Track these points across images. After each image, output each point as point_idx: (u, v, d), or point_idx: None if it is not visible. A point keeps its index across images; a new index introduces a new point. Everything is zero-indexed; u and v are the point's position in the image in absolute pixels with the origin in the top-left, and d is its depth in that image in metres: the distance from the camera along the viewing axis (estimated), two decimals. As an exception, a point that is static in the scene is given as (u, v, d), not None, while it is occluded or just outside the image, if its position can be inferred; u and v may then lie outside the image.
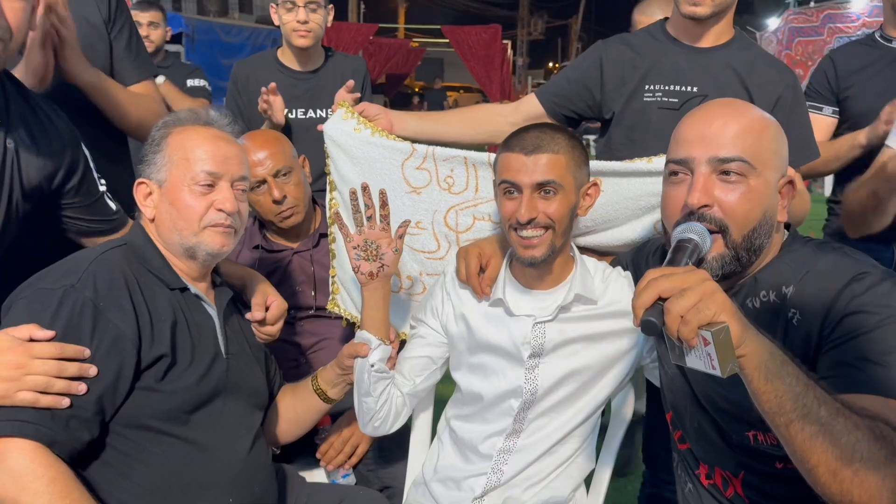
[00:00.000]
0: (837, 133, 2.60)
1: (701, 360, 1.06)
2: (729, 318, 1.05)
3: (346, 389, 1.87)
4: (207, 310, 1.65)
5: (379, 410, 1.79)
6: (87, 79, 1.91)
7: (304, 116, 2.89)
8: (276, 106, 2.60)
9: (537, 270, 1.70)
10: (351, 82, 2.40)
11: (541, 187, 1.62)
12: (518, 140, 1.66)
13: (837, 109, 2.60)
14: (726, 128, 1.35)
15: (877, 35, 2.67)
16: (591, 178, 1.73)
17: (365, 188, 1.78)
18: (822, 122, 2.57)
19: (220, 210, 1.58)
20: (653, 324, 1.06)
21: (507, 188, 1.65)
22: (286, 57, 2.92)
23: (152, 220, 1.61)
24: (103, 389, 1.39)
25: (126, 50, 2.11)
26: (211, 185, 1.58)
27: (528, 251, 1.64)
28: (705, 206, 1.33)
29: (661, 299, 1.07)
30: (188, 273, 1.63)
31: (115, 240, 1.61)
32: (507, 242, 1.79)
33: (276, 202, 2.15)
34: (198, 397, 1.54)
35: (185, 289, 1.61)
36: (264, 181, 2.14)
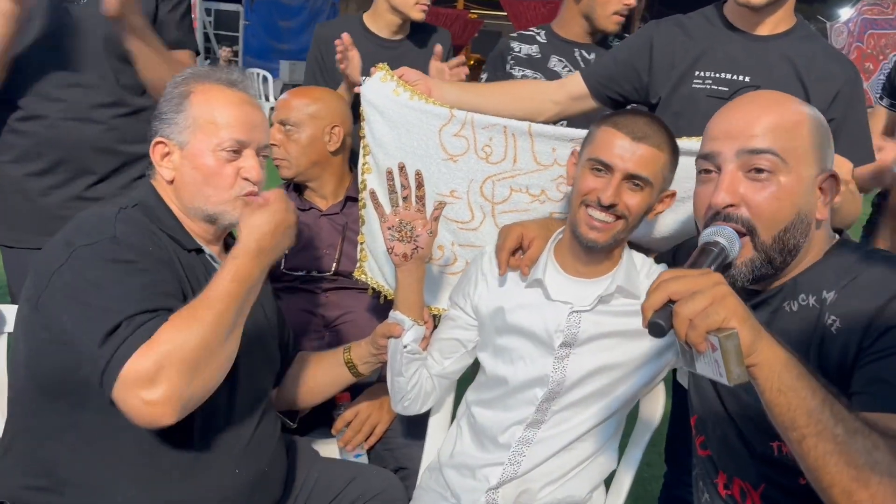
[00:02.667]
0: None
1: (709, 367, 1.03)
2: (739, 323, 1.01)
3: (375, 366, 1.87)
4: None
5: (410, 391, 1.79)
6: (134, 19, 1.97)
7: None
8: (353, 62, 2.44)
9: (588, 255, 1.65)
10: (439, 48, 2.34)
11: (632, 178, 1.57)
12: (626, 121, 1.60)
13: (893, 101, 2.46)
14: (757, 120, 1.28)
15: None
16: (672, 188, 1.67)
17: (402, 168, 1.74)
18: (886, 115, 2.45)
19: (246, 180, 1.55)
20: (660, 326, 1.04)
21: (596, 165, 1.59)
22: (374, 23, 2.82)
23: (170, 182, 1.57)
24: None
25: (170, 14, 2.19)
26: (237, 152, 1.54)
27: (592, 232, 1.59)
28: (731, 205, 1.27)
29: (672, 302, 1.04)
30: (202, 235, 1.60)
31: (125, 199, 1.57)
32: (552, 226, 1.74)
33: (273, 143, 2.20)
34: None
35: (199, 251, 1.58)
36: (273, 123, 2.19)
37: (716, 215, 1.28)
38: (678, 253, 1.74)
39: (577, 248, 1.65)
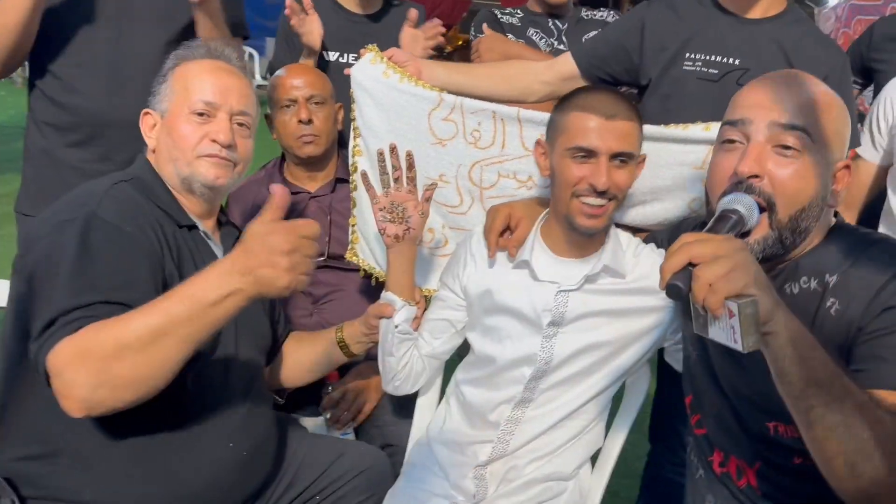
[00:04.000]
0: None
1: (724, 333, 1.02)
2: (759, 291, 1.00)
3: (367, 346, 1.88)
4: (214, 250, 1.63)
5: (401, 371, 1.80)
6: (214, 10, 2.02)
7: (354, 62, 2.79)
8: (311, 27, 2.41)
9: (576, 236, 1.65)
10: (413, 12, 2.35)
11: (617, 156, 1.56)
12: (591, 101, 1.59)
13: (859, 80, 2.46)
14: (791, 97, 1.27)
15: None
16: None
17: (393, 149, 1.74)
18: None
19: (213, 141, 1.55)
20: (679, 289, 1.02)
21: (578, 153, 1.58)
22: None
23: (154, 152, 1.60)
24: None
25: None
26: (209, 116, 1.56)
27: (591, 220, 1.59)
28: (755, 176, 1.25)
29: (692, 265, 1.02)
30: (194, 210, 1.61)
31: (119, 174, 1.58)
32: (539, 206, 1.74)
33: (301, 122, 2.17)
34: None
35: (193, 227, 1.59)
36: (295, 101, 2.18)
37: (738, 184, 1.26)
38: (674, 234, 1.74)
39: (569, 233, 1.65)
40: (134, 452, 1.43)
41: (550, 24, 2.62)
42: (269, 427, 1.67)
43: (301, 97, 2.18)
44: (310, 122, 2.18)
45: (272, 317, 1.82)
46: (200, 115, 1.56)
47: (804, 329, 1.05)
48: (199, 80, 1.58)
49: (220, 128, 1.56)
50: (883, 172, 2.26)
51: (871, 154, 2.27)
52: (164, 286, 1.40)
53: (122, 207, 1.45)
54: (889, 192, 2.21)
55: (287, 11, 2.38)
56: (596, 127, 1.56)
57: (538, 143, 1.72)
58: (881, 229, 2.22)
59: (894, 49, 2.41)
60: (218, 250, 1.64)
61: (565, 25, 2.60)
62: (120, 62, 2.07)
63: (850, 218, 2.30)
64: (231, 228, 1.72)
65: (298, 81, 2.20)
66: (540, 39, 2.60)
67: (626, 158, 1.58)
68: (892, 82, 2.24)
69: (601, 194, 1.57)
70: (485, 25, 2.64)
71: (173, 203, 1.56)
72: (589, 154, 1.57)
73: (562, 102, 1.67)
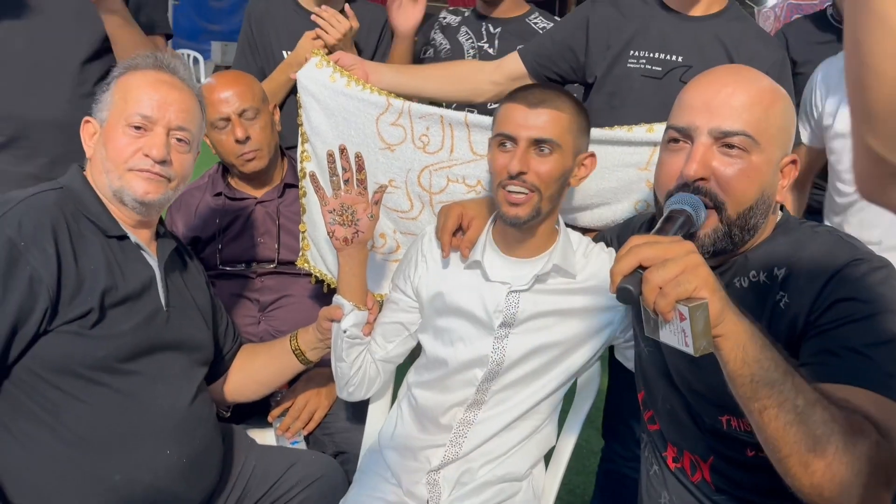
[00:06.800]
0: None
1: (675, 336, 1.02)
2: (710, 294, 1.00)
3: (324, 352, 1.85)
4: (148, 260, 1.59)
5: (353, 376, 1.77)
6: (117, 7, 1.97)
7: None
8: (409, 11, 2.37)
9: (520, 233, 1.64)
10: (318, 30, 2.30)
11: (537, 144, 1.56)
12: (523, 93, 1.60)
13: None
14: (733, 97, 1.27)
15: (829, 13, 2.59)
16: (590, 150, 1.66)
17: (343, 150, 1.71)
18: None
19: (146, 156, 1.52)
20: (629, 292, 1.01)
21: (501, 140, 1.58)
22: None
23: (90, 160, 1.58)
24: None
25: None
26: (145, 130, 1.53)
27: (512, 209, 1.57)
28: (702, 178, 1.26)
29: (642, 268, 1.02)
30: (127, 221, 1.57)
31: (49, 183, 1.55)
32: (491, 206, 1.73)
33: (238, 142, 2.08)
34: (133, 347, 1.49)
35: (123, 237, 1.55)
36: (228, 119, 2.07)
37: (684, 186, 1.27)
38: (623, 231, 1.74)
39: (508, 230, 1.65)
40: (65, 460, 1.41)
41: (483, 27, 2.60)
42: (210, 436, 1.64)
43: (232, 113, 2.07)
44: (247, 138, 2.09)
45: (215, 328, 1.79)
46: (137, 128, 1.53)
47: (754, 329, 1.05)
48: (138, 92, 1.55)
49: (154, 143, 1.53)
50: (816, 153, 2.30)
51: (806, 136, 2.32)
52: (55, 310, 1.40)
53: (31, 220, 1.42)
54: (829, 178, 2.26)
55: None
56: (518, 114, 1.57)
57: (489, 140, 1.70)
58: (825, 213, 2.27)
59: (808, 59, 2.48)
60: (153, 261, 1.61)
61: (498, 29, 2.59)
62: (38, 61, 2.01)
63: (800, 197, 2.36)
64: (169, 239, 1.69)
65: (226, 95, 2.07)
66: (467, 40, 2.58)
67: (549, 147, 1.56)
68: (818, 69, 2.28)
69: (517, 178, 1.55)
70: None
71: (103, 213, 1.53)
72: (510, 140, 1.57)
73: (503, 97, 1.67)
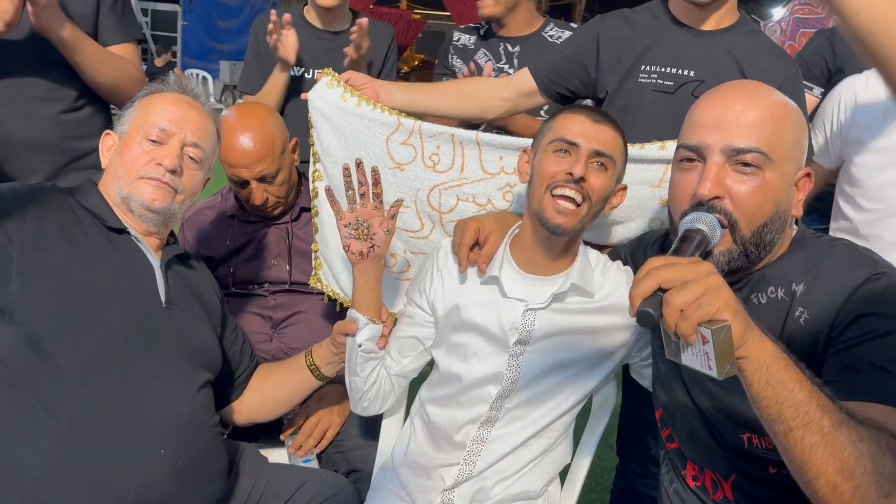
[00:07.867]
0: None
1: (697, 359, 1.00)
2: (732, 316, 0.98)
3: (339, 367, 1.84)
4: (147, 255, 1.62)
5: (367, 391, 1.76)
6: (61, 34, 1.94)
7: None
8: (287, 41, 2.42)
9: (546, 250, 1.63)
10: (363, 21, 2.36)
11: (598, 156, 1.56)
12: (581, 109, 1.62)
13: (824, 91, 2.52)
14: (744, 114, 1.27)
15: None
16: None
17: (359, 164, 1.70)
18: (810, 102, 2.51)
19: (158, 164, 1.58)
20: (650, 315, 0.99)
21: (560, 146, 1.57)
22: (311, 14, 2.74)
23: (105, 169, 1.66)
24: None
25: (111, 10, 2.15)
26: (161, 143, 1.60)
27: (559, 217, 1.55)
28: (716, 197, 1.26)
29: (662, 290, 1.00)
30: (136, 229, 1.62)
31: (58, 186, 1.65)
32: (509, 221, 1.72)
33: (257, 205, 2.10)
34: (124, 338, 1.50)
35: (123, 231, 1.60)
36: (247, 183, 2.07)
37: (698, 205, 1.26)
38: (636, 249, 1.74)
39: (538, 241, 1.63)
40: (57, 458, 1.39)
41: (501, 47, 2.61)
42: (211, 442, 1.62)
43: (251, 179, 2.05)
44: (266, 199, 2.10)
45: (222, 337, 1.79)
46: (153, 142, 1.60)
47: (777, 348, 1.03)
48: (159, 107, 1.64)
49: (167, 153, 1.60)
50: (823, 173, 2.29)
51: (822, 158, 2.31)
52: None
53: (28, 195, 1.52)
54: (836, 192, 2.24)
55: (270, 27, 2.39)
56: (582, 125, 1.58)
57: (524, 151, 1.71)
58: (832, 228, 2.25)
59: (854, 64, 2.46)
60: (153, 258, 1.63)
61: (517, 48, 2.59)
62: (18, 83, 2.03)
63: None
64: (176, 246, 1.72)
65: (245, 161, 2.02)
66: (486, 62, 2.60)
67: (606, 162, 1.57)
68: (844, 84, 2.27)
69: (577, 184, 1.54)
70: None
71: (106, 209, 1.60)
72: (571, 146, 1.57)
73: (554, 112, 1.68)
